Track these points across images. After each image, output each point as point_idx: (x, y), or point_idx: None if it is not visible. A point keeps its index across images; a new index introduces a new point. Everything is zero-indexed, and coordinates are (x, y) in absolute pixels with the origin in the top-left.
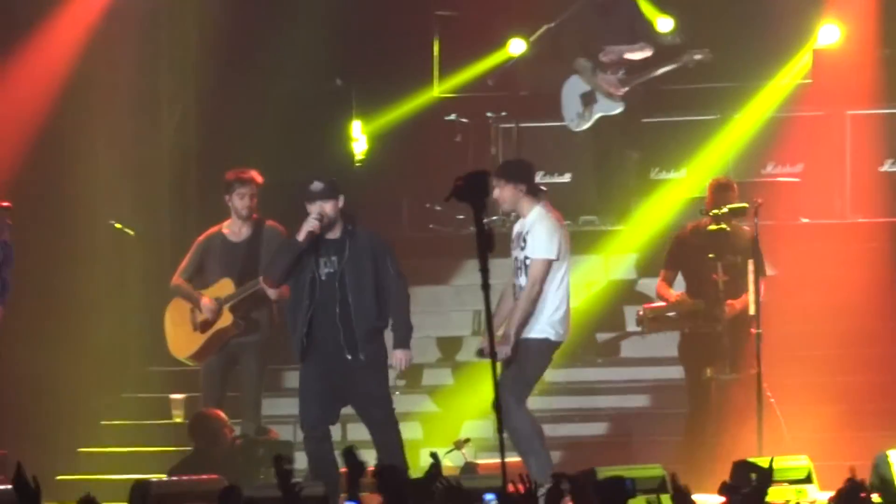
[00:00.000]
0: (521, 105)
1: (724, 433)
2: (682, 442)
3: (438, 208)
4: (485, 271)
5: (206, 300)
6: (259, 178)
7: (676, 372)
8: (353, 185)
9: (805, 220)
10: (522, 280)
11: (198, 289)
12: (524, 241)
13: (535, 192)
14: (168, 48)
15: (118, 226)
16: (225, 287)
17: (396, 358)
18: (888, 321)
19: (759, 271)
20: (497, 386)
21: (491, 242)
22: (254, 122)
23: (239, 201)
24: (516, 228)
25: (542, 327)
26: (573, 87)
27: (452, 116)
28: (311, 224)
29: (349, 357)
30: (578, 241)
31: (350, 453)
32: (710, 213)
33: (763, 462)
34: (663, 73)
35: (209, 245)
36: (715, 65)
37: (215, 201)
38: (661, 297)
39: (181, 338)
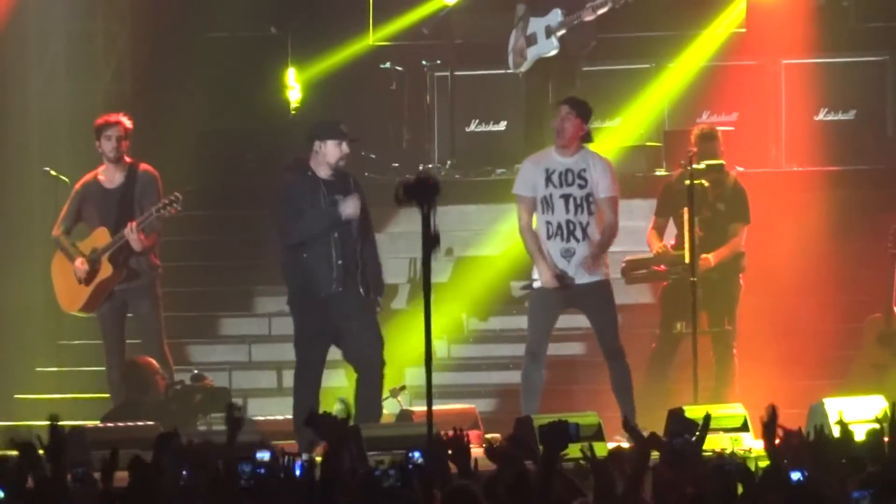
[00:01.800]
0: (456, 53)
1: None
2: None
3: (373, 156)
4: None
5: (79, 263)
6: (127, 123)
7: None
8: (287, 133)
9: (740, 169)
10: (583, 217)
11: (80, 239)
12: (581, 178)
13: (587, 138)
14: None
15: (53, 173)
16: (100, 237)
17: None
18: (822, 270)
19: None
20: (429, 333)
21: (437, 240)
22: (189, 69)
23: (106, 143)
24: (549, 167)
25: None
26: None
27: (387, 64)
28: (354, 209)
29: (362, 292)
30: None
31: (231, 409)
32: (689, 168)
33: (699, 411)
34: (593, 17)
35: (85, 192)
36: (649, 13)
37: (151, 149)
38: (648, 247)
39: (68, 291)
